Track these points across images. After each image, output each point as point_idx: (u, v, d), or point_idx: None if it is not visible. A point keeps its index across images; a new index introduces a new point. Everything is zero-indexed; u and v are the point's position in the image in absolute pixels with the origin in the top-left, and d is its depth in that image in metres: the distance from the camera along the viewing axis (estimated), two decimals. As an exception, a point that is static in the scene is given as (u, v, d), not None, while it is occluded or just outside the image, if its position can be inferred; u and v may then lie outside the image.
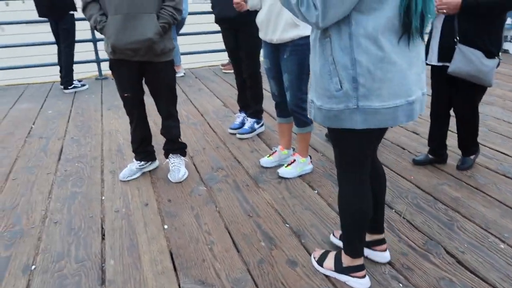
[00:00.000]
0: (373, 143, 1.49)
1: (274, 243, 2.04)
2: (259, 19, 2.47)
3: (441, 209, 2.30)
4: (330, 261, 1.79)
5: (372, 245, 1.83)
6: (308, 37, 2.34)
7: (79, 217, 2.30)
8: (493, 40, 2.24)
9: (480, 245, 1.99)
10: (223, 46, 5.88)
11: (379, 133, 1.48)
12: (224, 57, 6.13)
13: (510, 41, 6.53)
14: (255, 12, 2.62)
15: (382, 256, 1.85)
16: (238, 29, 3.14)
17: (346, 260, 1.72)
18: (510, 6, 2.14)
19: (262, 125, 3.48)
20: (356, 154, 1.51)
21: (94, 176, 2.78)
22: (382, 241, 1.83)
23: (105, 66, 5.60)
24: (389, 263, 1.87)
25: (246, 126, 3.40)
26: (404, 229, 2.12)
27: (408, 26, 1.28)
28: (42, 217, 2.31)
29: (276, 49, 2.49)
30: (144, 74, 2.46)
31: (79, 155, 3.10)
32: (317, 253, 1.89)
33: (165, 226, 2.21)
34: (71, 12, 4.59)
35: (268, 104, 3.75)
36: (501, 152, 2.99)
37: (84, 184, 2.67)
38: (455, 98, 2.52)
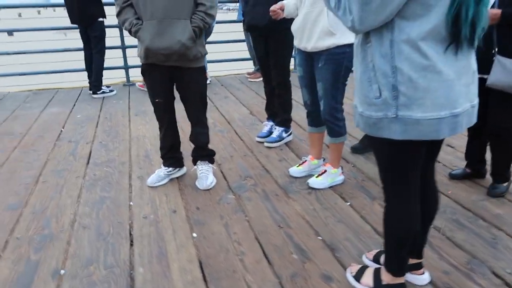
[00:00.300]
0: (418, 158, 1.40)
1: (306, 256, 1.97)
2: (295, 27, 2.42)
3: (482, 226, 2.18)
4: (368, 277, 1.70)
5: (409, 268, 1.72)
6: (344, 46, 2.28)
7: (108, 222, 2.28)
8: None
9: (529, 266, 1.86)
10: (248, 55, 5.92)
11: (425, 146, 1.38)
12: (250, 66, 6.15)
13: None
14: (287, 20, 2.58)
15: (420, 278, 1.75)
16: (268, 37, 3.10)
17: (387, 278, 1.62)
18: None
19: (290, 134, 3.42)
20: (398, 168, 1.43)
21: (122, 181, 2.76)
22: (419, 265, 1.73)
23: (133, 72, 5.69)
24: (431, 282, 1.76)
25: (274, 135, 3.34)
26: (445, 247, 2.01)
27: (457, 35, 1.20)
28: (71, 221, 2.30)
29: (310, 57, 2.44)
30: (176, 79, 2.44)
31: (108, 160, 3.10)
32: (354, 268, 1.80)
33: (194, 234, 2.16)
34: (100, 19, 4.66)
35: (296, 113, 3.70)
36: (544, 168, 2.83)
37: (112, 189, 2.66)
38: (492, 113, 2.34)
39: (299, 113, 4.03)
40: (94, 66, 4.83)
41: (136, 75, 5.84)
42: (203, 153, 2.70)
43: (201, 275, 1.86)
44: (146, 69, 2.40)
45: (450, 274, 1.83)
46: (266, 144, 3.32)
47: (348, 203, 2.44)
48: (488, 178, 2.65)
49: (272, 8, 2.48)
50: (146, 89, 5.09)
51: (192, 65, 2.36)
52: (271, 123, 3.48)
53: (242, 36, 5.74)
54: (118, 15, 2.27)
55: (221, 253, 2.00)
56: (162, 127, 2.59)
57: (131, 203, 2.48)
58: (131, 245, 2.09)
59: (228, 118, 4.08)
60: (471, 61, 1.30)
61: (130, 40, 5.30)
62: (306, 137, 3.53)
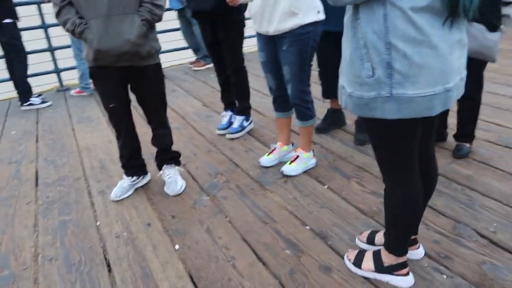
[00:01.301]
0: (414, 137, 1.36)
1: (300, 250, 1.90)
2: (253, 11, 2.28)
3: (457, 190, 2.25)
4: (368, 262, 1.67)
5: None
6: (307, 25, 2.19)
7: (76, 249, 2.05)
8: (493, 11, 2.18)
9: (509, 222, 1.94)
10: (186, 44, 5.66)
11: (420, 124, 1.34)
12: (191, 55, 5.89)
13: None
14: (237, 6, 2.43)
15: (416, 253, 1.75)
16: (216, 22, 2.94)
17: (389, 259, 1.60)
18: None
19: (251, 122, 3.31)
20: (395, 148, 1.38)
21: (82, 200, 2.51)
22: (415, 241, 1.74)
23: (66, 75, 5.23)
24: (425, 254, 1.78)
25: (235, 125, 3.22)
26: (429, 216, 2.04)
27: (455, 7, 1.14)
28: (33, 255, 2.04)
29: (271, 41, 2.32)
30: (130, 80, 2.22)
31: (59, 178, 2.81)
32: (351, 254, 1.76)
33: (176, 247, 2.01)
34: (7, 21, 4.04)
35: (251, 99, 3.58)
36: (496, 124, 2.99)
37: (72, 210, 2.41)
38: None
39: (254, 99, 3.93)
40: (16, 75, 4.31)
41: (69, 78, 5.39)
42: (168, 156, 2.52)
43: (195, 290, 1.73)
44: (96, 72, 2.15)
45: (441, 242, 1.86)
46: (228, 136, 3.19)
47: (326, 186, 2.41)
48: (450, 140, 2.75)
49: None
50: (84, 95, 4.75)
51: (147, 63, 2.16)
52: (229, 113, 3.35)
53: (175, 24, 5.46)
54: (57, 15, 2.00)
55: (211, 262, 1.87)
56: (120, 135, 2.37)
57: (98, 223, 2.26)
58: (109, 270, 1.89)
59: (181, 113, 3.88)
60: (464, 34, 1.26)
61: (58, 40, 4.87)
62: (266, 122, 3.45)
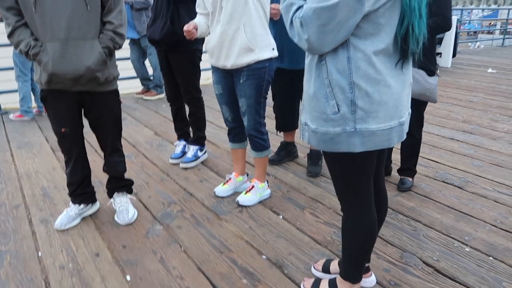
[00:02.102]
0: (372, 166, 1.46)
1: (257, 279, 1.89)
2: (210, 45, 2.35)
3: (403, 220, 2.38)
4: (325, 290, 1.70)
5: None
6: (264, 61, 2.30)
7: (15, 283, 1.88)
8: (430, 59, 2.43)
9: (449, 251, 2.09)
10: (134, 73, 5.62)
11: (377, 155, 1.45)
12: (139, 84, 5.81)
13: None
14: (188, 37, 2.45)
15: (369, 281, 1.81)
16: (169, 53, 2.98)
17: (344, 286, 1.65)
18: (443, 30, 2.36)
19: (205, 152, 3.31)
20: (355, 178, 1.46)
21: (22, 229, 2.32)
22: (368, 269, 1.81)
23: (3, 99, 4.93)
24: (377, 282, 1.85)
25: (189, 155, 3.20)
26: (378, 245, 2.14)
27: (406, 51, 1.29)
28: (-37, 289, 1.84)
29: (228, 74, 2.39)
30: (85, 105, 2.15)
31: (-5, 205, 2.59)
32: (307, 283, 1.79)
33: (128, 278, 1.91)
34: None
35: (207, 129, 3.60)
36: (433, 160, 3.25)
37: (10, 240, 2.22)
38: None
39: (208, 130, 3.95)
40: None
41: (7, 101, 5.07)
42: (121, 184, 2.44)
43: (149, 323, 1.65)
44: (49, 96, 2.06)
45: (390, 270, 1.95)
46: (181, 165, 3.16)
47: (281, 216, 2.45)
48: (394, 175, 2.93)
49: (186, 28, 2.35)
50: (24, 119, 4.48)
51: (104, 89, 2.12)
52: (183, 142, 3.33)
53: (125, 54, 5.40)
54: (10, 36, 1.90)
55: (165, 294, 1.81)
56: (69, 160, 2.26)
57: (39, 253, 2.10)
58: (53, 304, 1.75)
59: (132, 142, 3.79)
60: (410, 73, 1.40)
61: (-2, 61, 4.61)
62: (220, 153, 3.47)
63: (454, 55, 7.73)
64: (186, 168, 3.13)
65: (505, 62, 8.39)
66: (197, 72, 3.09)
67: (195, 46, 2.96)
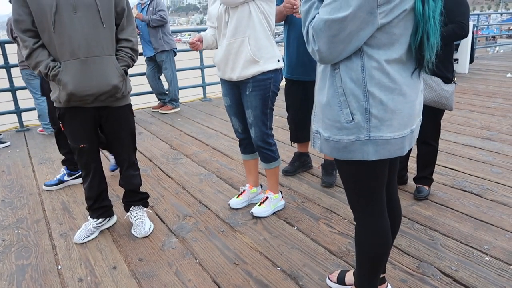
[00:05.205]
0: (384, 174, 1.45)
1: (271, 291, 1.89)
2: (217, 58, 2.40)
3: (420, 230, 2.35)
4: (340, 301, 1.69)
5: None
6: (269, 72, 2.33)
7: (35, 295, 1.93)
8: (447, 66, 2.41)
9: (468, 260, 2.04)
10: (150, 89, 5.78)
11: (389, 163, 1.45)
12: (154, 99, 5.95)
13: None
14: (193, 49, 2.47)
15: (385, 292, 1.80)
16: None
17: (360, 298, 1.63)
18: (460, 37, 2.35)
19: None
20: (368, 187, 1.46)
21: (42, 243, 2.39)
22: (384, 279, 1.79)
23: (26, 116, 5.10)
24: (393, 293, 1.83)
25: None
26: (395, 255, 2.11)
27: (421, 60, 1.30)
28: (-14, 302, 1.90)
29: (235, 86, 2.43)
30: (102, 120, 2.22)
31: (17, 220, 2.67)
32: (322, 294, 1.78)
33: (144, 290, 1.94)
34: None
35: (220, 142, 3.65)
36: (450, 168, 3.20)
37: (31, 254, 2.28)
38: (422, 124, 2.60)
39: (222, 142, 4.00)
40: None
41: (29, 118, 5.25)
42: (136, 198, 2.48)
43: (164, 335, 1.66)
44: (66, 113, 2.13)
45: (407, 281, 1.91)
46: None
47: (295, 227, 2.44)
48: (410, 183, 2.90)
49: (191, 40, 2.42)
50: (45, 134, 4.62)
51: (120, 104, 2.18)
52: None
53: (141, 69, 5.56)
54: (28, 57, 1.99)
55: (181, 306, 1.82)
56: (87, 175, 2.32)
57: (59, 267, 2.15)
58: (71, 317, 1.79)
59: (148, 156, 3.85)
60: (422, 83, 1.41)
61: (19, 81, 4.78)
62: (235, 165, 3.49)
63: (471, 61, 7.62)
64: (201, 181, 3.16)
65: (524, 66, 8.22)
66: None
67: None
